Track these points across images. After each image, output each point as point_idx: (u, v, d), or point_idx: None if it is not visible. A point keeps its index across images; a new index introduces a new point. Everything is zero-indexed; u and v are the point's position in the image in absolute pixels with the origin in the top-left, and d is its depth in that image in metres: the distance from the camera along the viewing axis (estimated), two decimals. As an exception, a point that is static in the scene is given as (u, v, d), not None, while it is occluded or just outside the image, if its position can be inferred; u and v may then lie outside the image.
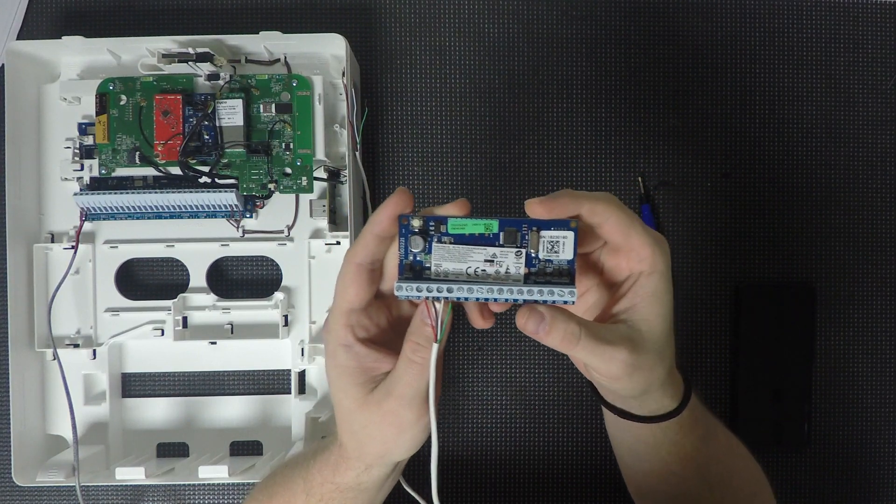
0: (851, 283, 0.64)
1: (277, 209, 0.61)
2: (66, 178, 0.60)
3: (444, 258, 0.35)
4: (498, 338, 0.63)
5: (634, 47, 0.64)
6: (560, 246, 0.35)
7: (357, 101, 0.62)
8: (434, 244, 0.35)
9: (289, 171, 0.59)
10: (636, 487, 0.49)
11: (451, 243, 0.35)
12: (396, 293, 0.36)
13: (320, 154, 0.59)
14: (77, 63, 0.61)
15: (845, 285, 0.64)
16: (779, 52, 0.64)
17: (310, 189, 0.60)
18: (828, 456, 0.63)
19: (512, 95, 0.64)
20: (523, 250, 0.35)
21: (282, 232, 0.61)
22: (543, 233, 0.35)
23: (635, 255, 0.37)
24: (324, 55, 0.61)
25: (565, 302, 0.36)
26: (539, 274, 0.36)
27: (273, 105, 0.59)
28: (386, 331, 0.40)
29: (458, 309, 0.39)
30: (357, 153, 0.59)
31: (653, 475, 0.45)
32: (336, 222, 0.61)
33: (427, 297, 0.35)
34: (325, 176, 0.60)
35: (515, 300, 0.35)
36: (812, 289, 0.63)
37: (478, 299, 0.35)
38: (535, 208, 0.36)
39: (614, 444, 0.48)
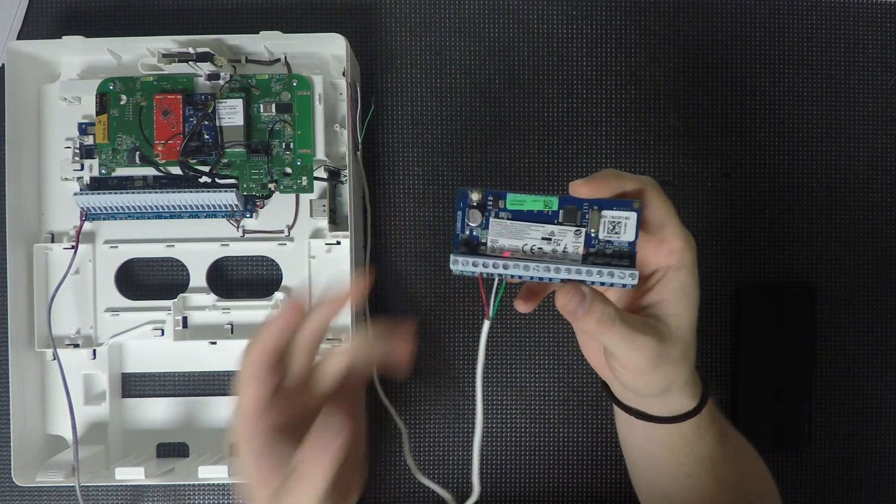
0: (852, 282, 0.64)
1: (277, 209, 0.61)
2: (66, 178, 0.60)
3: (500, 234, 0.34)
4: (498, 338, 0.63)
5: (634, 47, 0.64)
6: (622, 227, 0.34)
7: (360, 99, 0.62)
8: (491, 219, 0.34)
9: (289, 170, 0.59)
10: (647, 493, 0.47)
11: (508, 219, 0.34)
12: (452, 266, 0.34)
13: (320, 154, 0.59)
14: (77, 63, 0.61)
15: (846, 285, 0.64)
16: (779, 52, 0.64)
17: (310, 189, 0.60)
18: (828, 456, 0.63)
19: (512, 95, 0.64)
20: (583, 229, 0.34)
21: (282, 232, 0.61)
22: (605, 212, 0.34)
23: (666, 248, 0.37)
24: (324, 55, 0.61)
25: (625, 285, 0.34)
26: (598, 255, 0.34)
27: (273, 105, 0.59)
28: (294, 419, 0.40)
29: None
30: (358, 153, 0.59)
31: (666, 478, 0.44)
32: (336, 222, 0.61)
33: (483, 273, 0.34)
34: (325, 176, 0.60)
35: (573, 280, 0.34)
36: (812, 289, 0.63)
37: (533, 278, 0.34)
38: (580, 189, 0.35)
39: (626, 449, 0.47)
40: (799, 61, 0.64)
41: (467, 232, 0.35)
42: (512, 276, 0.34)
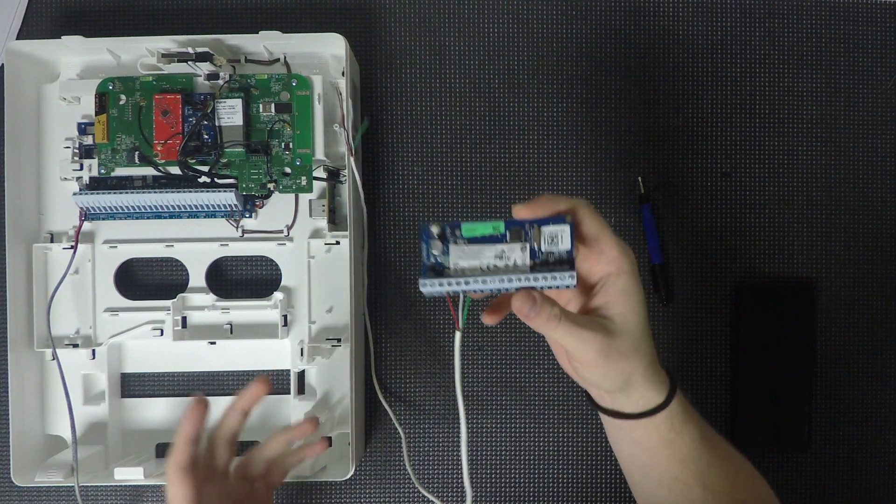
0: (852, 283, 0.63)
1: (277, 209, 0.61)
2: (65, 178, 0.60)
3: (460, 257, 0.40)
4: (498, 338, 0.63)
5: (634, 47, 0.64)
6: (559, 238, 0.40)
7: (358, 104, 0.62)
8: (451, 246, 0.40)
9: (288, 170, 0.59)
10: (642, 494, 0.49)
11: (465, 244, 0.40)
12: (422, 289, 0.40)
13: (320, 154, 0.59)
14: (77, 63, 0.61)
15: (845, 285, 0.63)
16: (779, 52, 0.64)
17: (309, 189, 0.60)
18: (828, 457, 0.63)
19: (512, 95, 0.64)
20: (527, 244, 0.40)
21: (281, 232, 0.61)
22: (543, 228, 0.40)
23: (605, 258, 0.41)
24: (324, 55, 0.61)
25: (567, 286, 0.39)
26: (543, 264, 0.40)
27: (273, 105, 0.59)
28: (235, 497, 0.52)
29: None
30: (351, 158, 0.59)
31: (656, 483, 0.46)
32: (336, 222, 0.61)
33: (449, 291, 0.39)
34: (324, 176, 0.60)
35: (524, 287, 0.39)
36: (812, 289, 0.63)
37: (491, 290, 0.40)
38: (521, 212, 0.41)
39: (621, 461, 0.49)
40: (799, 61, 0.64)
41: (432, 259, 0.40)
42: (474, 291, 0.40)
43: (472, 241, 0.40)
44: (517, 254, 0.40)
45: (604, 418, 0.47)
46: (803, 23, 0.64)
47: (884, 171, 0.64)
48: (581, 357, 0.41)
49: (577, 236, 0.41)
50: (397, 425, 0.62)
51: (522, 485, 0.63)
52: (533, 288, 0.40)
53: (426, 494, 0.62)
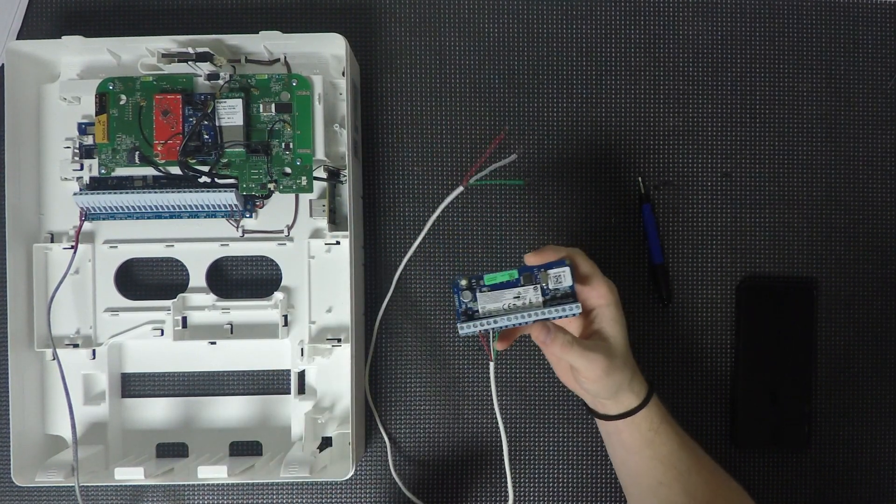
0: (852, 283, 0.64)
1: (277, 209, 0.61)
2: (65, 178, 0.60)
3: (486, 302, 0.49)
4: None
5: (634, 47, 0.64)
6: (562, 278, 0.50)
7: (358, 104, 0.62)
8: (478, 293, 0.49)
9: (288, 170, 0.59)
10: None
11: (489, 290, 0.49)
12: (461, 332, 0.49)
13: (320, 154, 0.59)
14: (77, 63, 0.61)
15: (846, 285, 0.64)
16: (779, 52, 0.64)
17: (309, 189, 0.60)
18: (828, 457, 0.63)
19: (512, 95, 0.64)
20: (538, 285, 0.50)
21: (281, 232, 0.61)
22: (549, 271, 0.50)
23: (596, 293, 0.51)
24: (324, 55, 0.61)
25: (573, 314, 0.49)
26: (552, 299, 0.50)
27: (273, 105, 0.59)
28: None
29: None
30: (351, 157, 0.59)
31: (645, 489, 0.53)
32: (336, 222, 0.61)
33: (482, 330, 0.49)
34: (324, 176, 0.60)
35: (540, 319, 0.49)
36: (812, 289, 0.63)
37: (515, 324, 0.49)
38: (531, 259, 0.51)
39: (617, 470, 0.57)
40: (799, 61, 0.64)
41: (464, 306, 0.50)
42: (502, 327, 0.50)
43: (494, 287, 0.49)
44: (531, 293, 0.49)
45: (600, 426, 0.55)
46: (803, 23, 0.64)
47: (884, 171, 0.64)
48: (588, 374, 0.50)
49: (578, 273, 0.51)
50: (384, 433, 0.62)
51: (523, 485, 0.63)
52: (547, 319, 0.49)
53: (416, 501, 0.62)
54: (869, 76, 0.64)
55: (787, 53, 0.64)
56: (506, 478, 0.58)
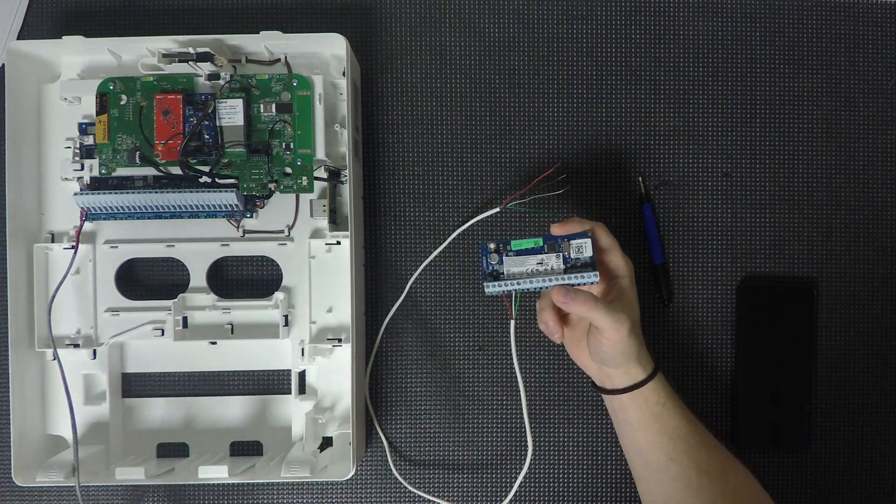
0: (852, 282, 0.64)
1: (277, 209, 0.61)
2: (66, 178, 0.60)
3: (511, 265, 0.53)
4: (498, 338, 0.63)
5: (634, 47, 0.64)
6: (584, 248, 0.52)
7: (359, 104, 0.62)
8: (504, 257, 0.53)
9: (289, 170, 0.59)
10: (647, 491, 0.55)
11: (514, 255, 0.53)
12: (486, 291, 0.53)
13: (320, 154, 0.59)
14: (77, 63, 0.61)
15: (846, 285, 0.64)
16: (779, 52, 0.64)
17: (310, 189, 0.60)
18: (828, 456, 0.63)
19: (512, 95, 0.64)
20: (561, 253, 0.53)
21: (282, 232, 0.61)
22: (572, 241, 0.53)
23: (613, 265, 0.54)
24: (324, 55, 0.61)
25: (591, 282, 0.52)
26: (572, 267, 0.53)
27: (273, 105, 0.59)
28: None
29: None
30: (351, 157, 0.59)
31: (655, 468, 0.53)
32: (336, 222, 0.61)
33: (505, 290, 0.53)
34: (325, 176, 0.60)
35: (560, 284, 0.52)
36: (812, 289, 0.63)
37: (537, 288, 0.53)
38: (556, 230, 0.53)
39: (626, 451, 0.56)
40: (799, 61, 0.64)
41: (490, 268, 0.53)
42: (524, 290, 0.53)
43: (519, 252, 0.53)
44: (553, 260, 0.53)
45: (608, 405, 0.56)
46: (803, 23, 0.64)
47: (884, 171, 0.64)
48: (613, 335, 0.51)
49: (598, 245, 0.53)
50: (381, 434, 0.62)
51: (523, 484, 0.63)
52: (567, 284, 0.52)
53: (417, 492, 0.62)
54: (869, 76, 0.64)
55: (786, 53, 0.64)
56: (515, 478, 0.57)
